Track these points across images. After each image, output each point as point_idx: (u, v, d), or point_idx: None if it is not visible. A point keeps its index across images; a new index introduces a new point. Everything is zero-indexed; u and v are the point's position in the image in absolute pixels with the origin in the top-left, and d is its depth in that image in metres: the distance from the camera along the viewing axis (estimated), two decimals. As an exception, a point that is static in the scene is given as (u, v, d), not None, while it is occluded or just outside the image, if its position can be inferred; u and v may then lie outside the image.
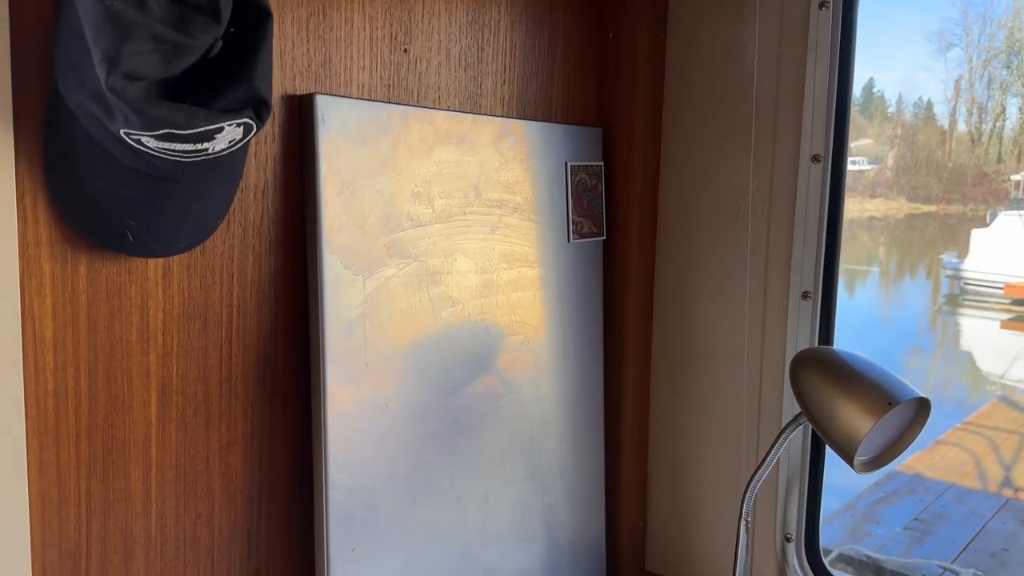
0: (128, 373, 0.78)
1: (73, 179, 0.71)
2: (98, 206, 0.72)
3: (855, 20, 1.08)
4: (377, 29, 0.92)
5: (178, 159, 0.69)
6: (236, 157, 0.76)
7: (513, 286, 1.09)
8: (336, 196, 0.89)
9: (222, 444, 0.85)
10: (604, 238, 1.20)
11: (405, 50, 0.96)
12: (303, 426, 0.92)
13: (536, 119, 1.12)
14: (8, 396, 0.69)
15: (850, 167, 1.15)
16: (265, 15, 0.73)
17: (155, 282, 0.79)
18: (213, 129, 0.68)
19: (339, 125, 0.88)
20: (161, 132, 0.65)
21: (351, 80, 0.91)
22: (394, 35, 0.94)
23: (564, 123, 1.15)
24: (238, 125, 0.70)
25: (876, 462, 0.94)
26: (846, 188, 1.12)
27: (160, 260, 0.79)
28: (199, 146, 0.68)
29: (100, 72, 0.62)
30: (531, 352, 1.12)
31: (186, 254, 0.80)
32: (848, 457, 0.90)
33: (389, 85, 0.95)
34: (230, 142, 0.71)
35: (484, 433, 1.07)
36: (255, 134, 0.73)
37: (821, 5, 1.05)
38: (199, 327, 0.82)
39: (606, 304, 1.22)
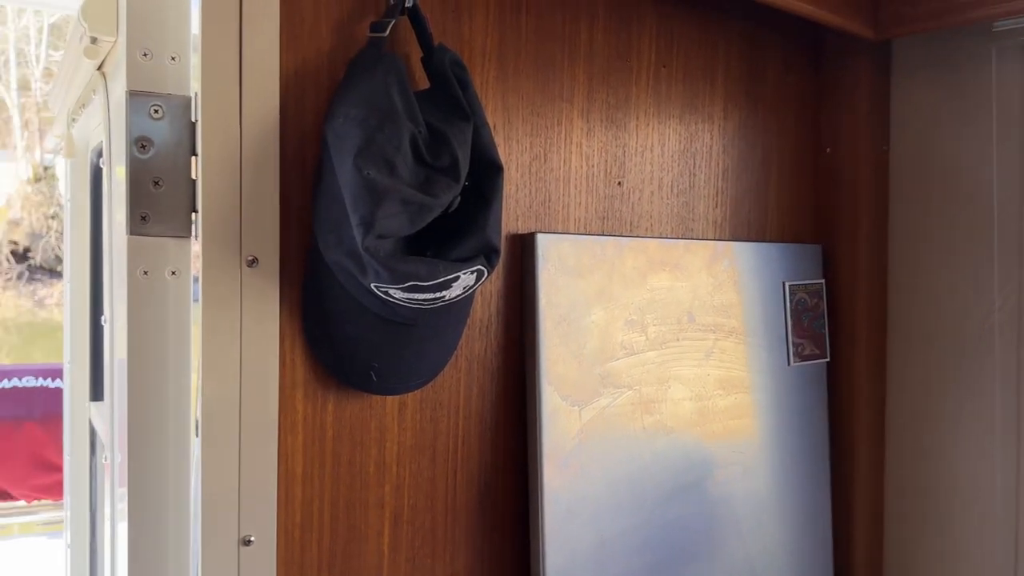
0: (365, 505, 0.82)
1: (326, 325, 0.78)
2: (347, 349, 0.78)
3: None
4: (593, 166, 0.95)
5: (419, 306, 0.74)
6: (467, 299, 0.80)
7: (730, 413, 1.05)
8: (554, 329, 0.91)
9: (446, 575, 0.87)
10: (827, 360, 1.13)
11: (619, 183, 0.98)
12: (522, 558, 0.92)
13: (750, 239, 1.09)
14: (264, 530, 0.75)
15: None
16: (497, 170, 0.78)
17: (392, 416, 0.83)
18: (451, 279, 0.72)
19: (557, 260, 0.91)
20: (407, 285, 0.70)
21: (568, 216, 0.94)
22: (609, 170, 0.97)
23: (780, 242, 1.12)
24: (471, 272, 0.74)
25: None
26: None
27: (397, 396, 0.83)
28: (438, 295, 0.73)
29: (358, 235, 0.68)
30: (751, 483, 1.06)
31: (419, 389, 0.85)
32: None
33: (603, 217, 0.97)
34: (464, 288, 0.75)
35: (702, 567, 1.01)
36: (486, 279, 0.77)
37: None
38: (428, 458, 0.86)
39: (832, 432, 1.14)
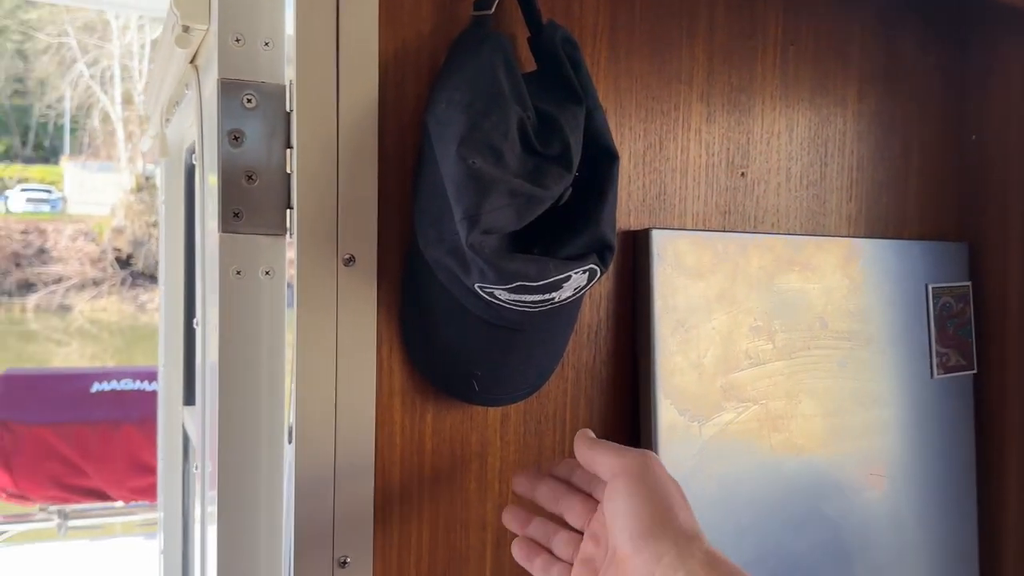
0: (466, 524, 0.75)
1: (425, 329, 0.71)
2: (448, 356, 0.71)
3: None
4: (713, 155, 0.86)
5: (526, 309, 0.67)
6: (577, 301, 0.73)
7: (866, 430, 0.93)
8: (671, 335, 0.82)
9: (552, 604, 0.79)
10: (975, 372, 1.01)
11: (742, 174, 0.88)
12: (634, 587, 0.83)
13: (888, 236, 0.98)
14: (360, 551, 0.69)
15: None
16: (612, 158, 0.70)
17: (494, 429, 0.77)
18: (561, 279, 0.65)
19: (674, 259, 0.83)
20: (514, 285, 0.63)
21: (686, 210, 0.85)
22: (731, 159, 0.88)
23: (921, 239, 1.00)
24: (584, 271, 0.66)
25: None
26: None
27: (500, 407, 0.76)
28: (547, 296, 0.66)
29: (461, 230, 0.62)
30: (889, 509, 0.95)
31: (524, 399, 0.78)
32: None
33: (725, 212, 0.88)
34: (575, 289, 0.67)
35: (834, 604, 0.91)
36: (599, 279, 0.69)
37: None
38: (533, 476, 0.78)
39: (979, 453, 1.01)
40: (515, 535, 0.69)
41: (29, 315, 15.86)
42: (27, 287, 16.42)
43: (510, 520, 0.69)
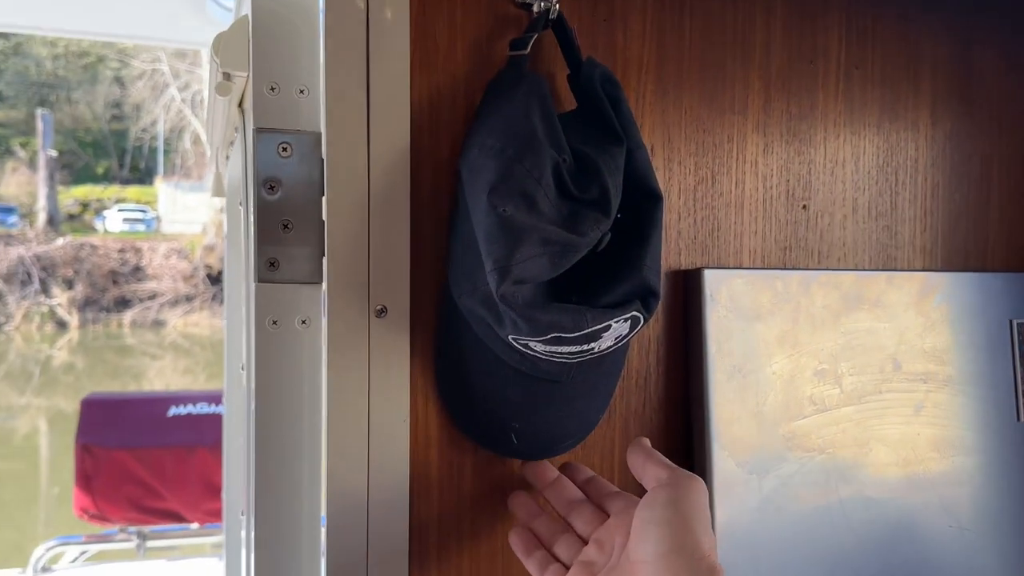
0: (507, 583, 0.72)
1: (461, 381, 0.69)
2: (484, 408, 0.69)
3: None
4: (771, 188, 0.81)
5: (564, 360, 0.64)
6: (622, 349, 0.69)
7: (947, 480, 0.86)
8: (727, 381, 0.77)
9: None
10: (1071, 416, 0.92)
11: (804, 206, 0.83)
12: (689, 648, 0.79)
13: (967, 269, 0.91)
14: (395, 611, 0.67)
15: None
16: (656, 200, 0.66)
17: (535, 482, 0.73)
18: (600, 328, 0.61)
19: (729, 300, 0.78)
20: (549, 337, 0.60)
21: (742, 247, 0.81)
22: (791, 191, 0.82)
23: (1005, 271, 0.92)
24: (625, 320, 0.63)
25: None
26: None
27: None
28: (585, 347, 0.62)
29: (492, 281, 0.59)
30: (970, 564, 0.87)
31: (567, 452, 0.74)
32: None
33: (785, 248, 0.82)
34: (616, 339, 0.64)
35: (913, 669, 0.84)
36: (643, 327, 0.65)
37: None
38: (578, 531, 0.75)
39: (1079, 503, 0.92)
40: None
41: (125, 330, 16.66)
42: (124, 303, 17.26)
43: (518, 506, 0.69)
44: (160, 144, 21.68)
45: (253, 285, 0.70)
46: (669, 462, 0.61)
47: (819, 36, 0.83)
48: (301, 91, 0.70)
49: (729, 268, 0.80)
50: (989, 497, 0.88)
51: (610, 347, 0.64)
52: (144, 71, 20.71)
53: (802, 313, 0.81)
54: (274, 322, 0.71)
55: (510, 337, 0.62)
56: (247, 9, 0.76)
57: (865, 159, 0.85)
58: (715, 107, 0.79)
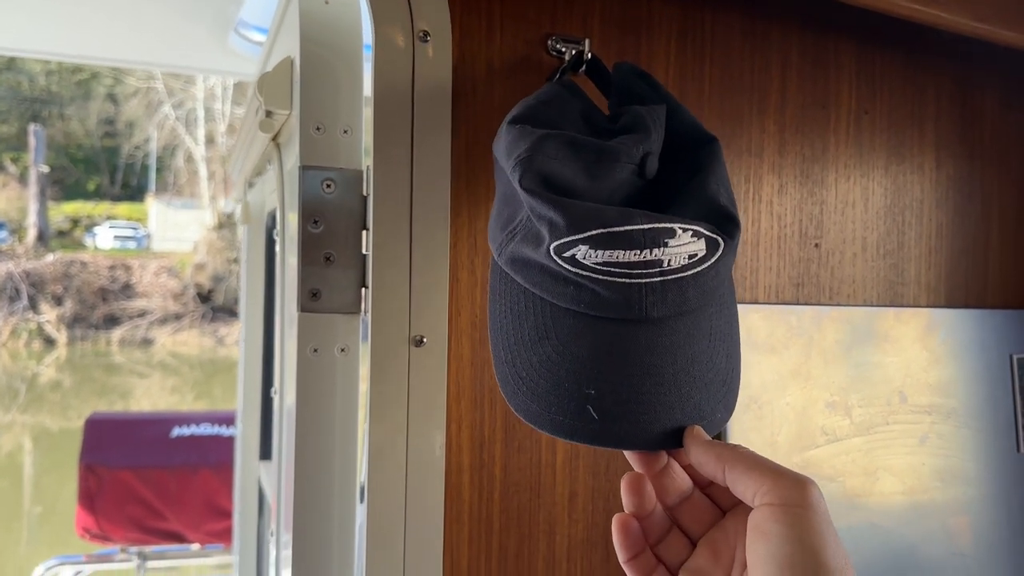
0: (534, 604, 0.75)
1: (519, 358, 0.58)
2: (549, 378, 0.55)
3: None
4: (786, 227, 0.86)
5: (626, 280, 0.53)
6: (720, 278, 0.57)
7: (950, 509, 0.90)
8: (743, 412, 0.81)
9: None
10: (1069, 447, 0.96)
11: (816, 245, 0.87)
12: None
13: (968, 306, 0.95)
14: (430, 631, 0.70)
15: None
16: (710, 139, 0.64)
17: (562, 506, 0.76)
18: (660, 229, 0.52)
19: (746, 334, 0.82)
20: (594, 234, 0.52)
21: (757, 283, 0.85)
22: (804, 230, 0.86)
23: (1004, 308, 0.96)
24: (696, 236, 0.54)
25: None
26: None
27: (566, 484, 0.76)
28: (649, 257, 0.53)
29: (513, 177, 0.56)
30: (975, 590, 0.91)
31: (590, 476, 0.77)
32: None
33: (798, 284, 0.86)
34: (689, 256, 0.54)
35: None
36: (724, 251, 0.56)
37: None
38: (601, 555, 0.78)
39: (1076, 532, 0.96)
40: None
41: (114, 348, 16.55)
42: (112, 321, 17.16)
43: (631, 492, 0.53)
44: (152, 161, 21.70)
45: (296, 314, 0.73)
46: (764, 463, 0.49)
47: (831, 83, 0.87)
48: (344, 131, 0.74)
49: (745, 303, 0.83)
50: (989, 525, 0.92)
51: (686, 267, 0.54)
52: (138, 88, 20.77)
53: (814, 347, 0.85)
54: (315, 350, 0.74)
55: (552, 249, 0.54)
56: (287, 51, 0.79)
57: (874, 200, 0.90)
58: (733, 149, 0.83)
